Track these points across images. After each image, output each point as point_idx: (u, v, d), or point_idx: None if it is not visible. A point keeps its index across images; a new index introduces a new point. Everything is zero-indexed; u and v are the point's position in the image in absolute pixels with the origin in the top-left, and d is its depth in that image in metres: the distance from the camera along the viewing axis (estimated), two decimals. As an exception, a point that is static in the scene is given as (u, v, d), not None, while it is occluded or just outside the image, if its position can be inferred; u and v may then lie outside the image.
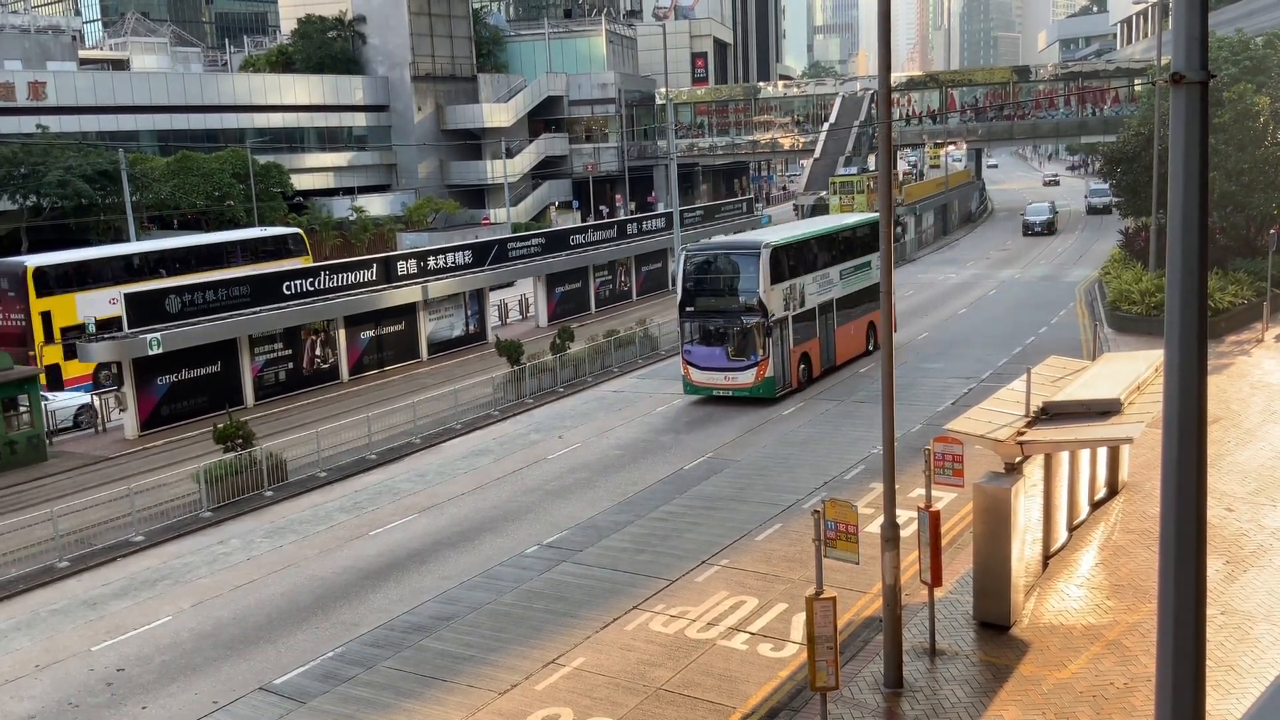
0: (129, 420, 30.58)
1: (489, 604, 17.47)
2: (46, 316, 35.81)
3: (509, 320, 47.57)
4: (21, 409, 28.34)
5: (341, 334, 36.72)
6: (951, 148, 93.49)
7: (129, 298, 31.55)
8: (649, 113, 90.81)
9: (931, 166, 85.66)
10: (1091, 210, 76.44)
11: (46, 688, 15.69)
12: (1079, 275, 50.14)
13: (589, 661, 15.13)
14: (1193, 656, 6.08)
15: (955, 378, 30.87)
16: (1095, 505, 19.03)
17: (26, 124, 57.12)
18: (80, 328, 34.95)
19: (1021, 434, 15.26)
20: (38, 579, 19.93)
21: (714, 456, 24.98)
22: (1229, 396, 25.85)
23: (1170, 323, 6.08)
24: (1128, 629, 14.54)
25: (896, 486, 13.84)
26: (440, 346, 40.73)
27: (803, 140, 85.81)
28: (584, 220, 77.77)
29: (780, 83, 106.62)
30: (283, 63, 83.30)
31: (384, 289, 38.20)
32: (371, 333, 38.04)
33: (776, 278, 29.07)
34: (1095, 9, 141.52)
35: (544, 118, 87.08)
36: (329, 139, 76.79)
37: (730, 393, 29.32)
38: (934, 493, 14.77)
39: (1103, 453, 19.27)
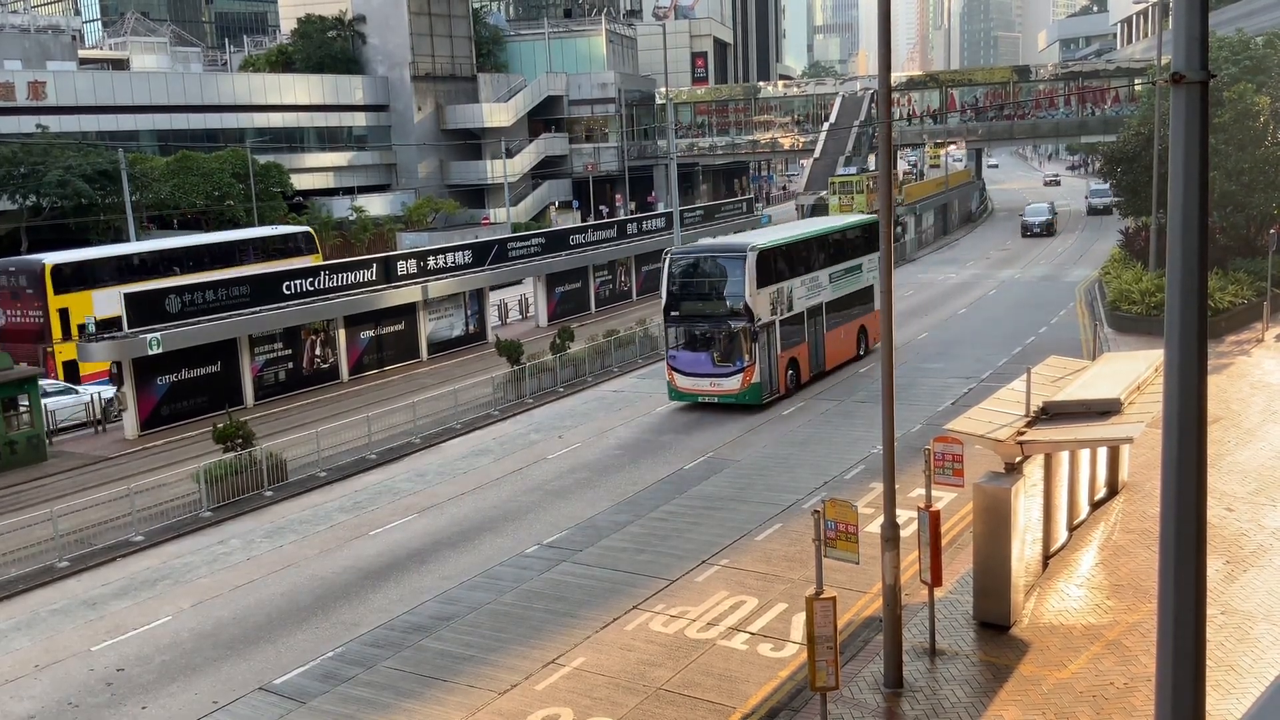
0: (129, 420, 30.58)
1: (489, 604, 17.47)
2: (64, 313, 36.26)
3: (509, 320, 47.57)
4: (21, 409, 28.33)
5: (341, 334, 36.73)
6: (952, 148, 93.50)
7: (129, 297, 31.57)
8: (649, 113, 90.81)
9: (931, 166, 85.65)
10: (1092, 211, 76.32)
11: (46, 688, 15.69)
12: (1079, 275, 50.14)
13: (589, 661, 15.14)
14: (1193, 656, 6.08)
15: (955, 378, 30.87)
16: (1095, 505, 19.03)
17: (26, 124, 57.13)
18: (99, 324, 35.13)
19: (1021, 434, 15.26)
20: (38, 579, 19.93)
21: (714, 456, 24.98)
22: (1229, 396, 25.85)
23: (1170, 323, 6.08)
24: (1128, 629, 14.54)
25: (896, 486, 13.84)
26: (440, 346, 40.73)
27: (803, 140, 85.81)
28: (584, 220, 77.76)
29: (780, 83, 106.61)
30: (283, 63, 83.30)
31: (384, 289, 38.21)
32: (371, 333, 38.05)
33: (763, 281, 28.47)
34: (1095, 9, 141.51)
35: (544, 118, 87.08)
36: (329, 139, 76.79)
37: (716, 399, 28.76)
38: (934, 493, 14.77)
39: (1103, 453, 19.27)
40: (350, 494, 24.26)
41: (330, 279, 36.76)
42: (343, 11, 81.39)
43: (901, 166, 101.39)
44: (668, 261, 29.53)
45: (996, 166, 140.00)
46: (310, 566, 19.85)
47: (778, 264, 29.61)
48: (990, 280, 50.59)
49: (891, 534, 13.34)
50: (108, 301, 36.43)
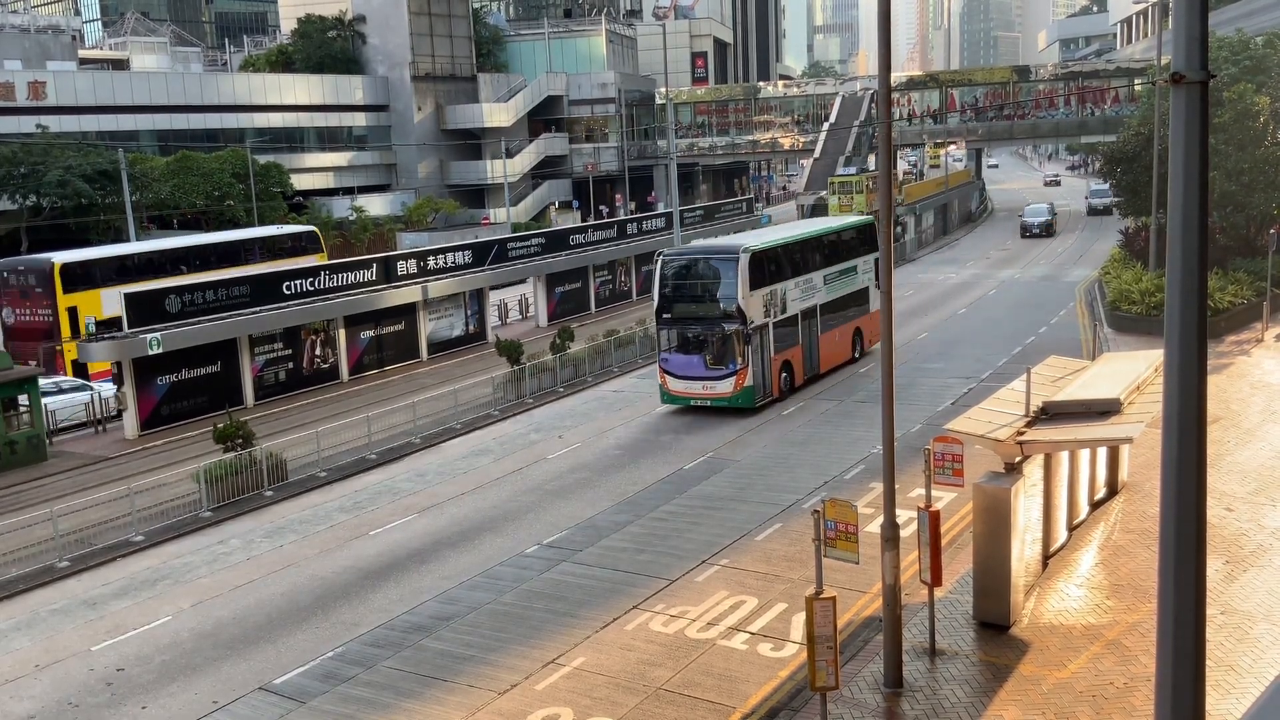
0: (129, 420, 30.58)
1: (489, 604, 17.47)
2: (73, 312, 36.44)
3: (509, 320, 47.57)
4: (21, 409, 28.33)
5: (341, 334, 36.73)
6: (952, 148, 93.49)
7: (128, 297, 31.58)
8: (649, 113, 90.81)
9: (931, 166, 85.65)
10: (1092, 211, 76.23)
11: (46, 688, 15.69)
12: (1079, 275, 50.14)
13: (589, 661, 15.14)
14: (1193, 656, 6.08)
15: (955, 377, 30.87)
16: (1095, 505, 19.03)
17: (26, 124, 57.13)
18: (105, 323, 35.27)
19: (1021, 434, 15.26)
20: (38, 579, 19.93)
21: (714, 456, 24.98)
22: (1229, 396, 25.86)
23: (1170, 323, 6.08)
24: (1128, 629, 14.54)
25: (896, 486, 13.85)
26: (440, 346, 40.73)
27: (803, 140, 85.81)
28: (584, 220, 77.76)
29: (780, 83, 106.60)
30: (283, 63, 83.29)
31: (384, 289, 38.21)
32: (371, 333, 38.05)
33: (756, 283, 28.17)
34: (1095, 9, 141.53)
35: (544, 118, 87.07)
36: (329, 139, 76.79)
37: (708, 403, 28.41)
38: (934, 492, 14.77)
39: (1103, 453, 19.27)
40: (350, 494, 24.27)
41: (330, 279, 36.77)
42: (343, 11, 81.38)
43: (901, 166, 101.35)
44: (660, 263, 29.27)
45: (996, 166, 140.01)
46: (310, 566, 19.85)
47: (771, 266, 29.31)
48: (990, 280, 50.59)
49: (891, 534, 13.34)
50: (116, 300, 36.60)
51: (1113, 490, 19.74)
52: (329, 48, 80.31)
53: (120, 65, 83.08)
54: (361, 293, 37.40)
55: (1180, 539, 6.09)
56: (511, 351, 32.72)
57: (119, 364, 30.44)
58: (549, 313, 46.53)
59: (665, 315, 28.78)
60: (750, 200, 72.55)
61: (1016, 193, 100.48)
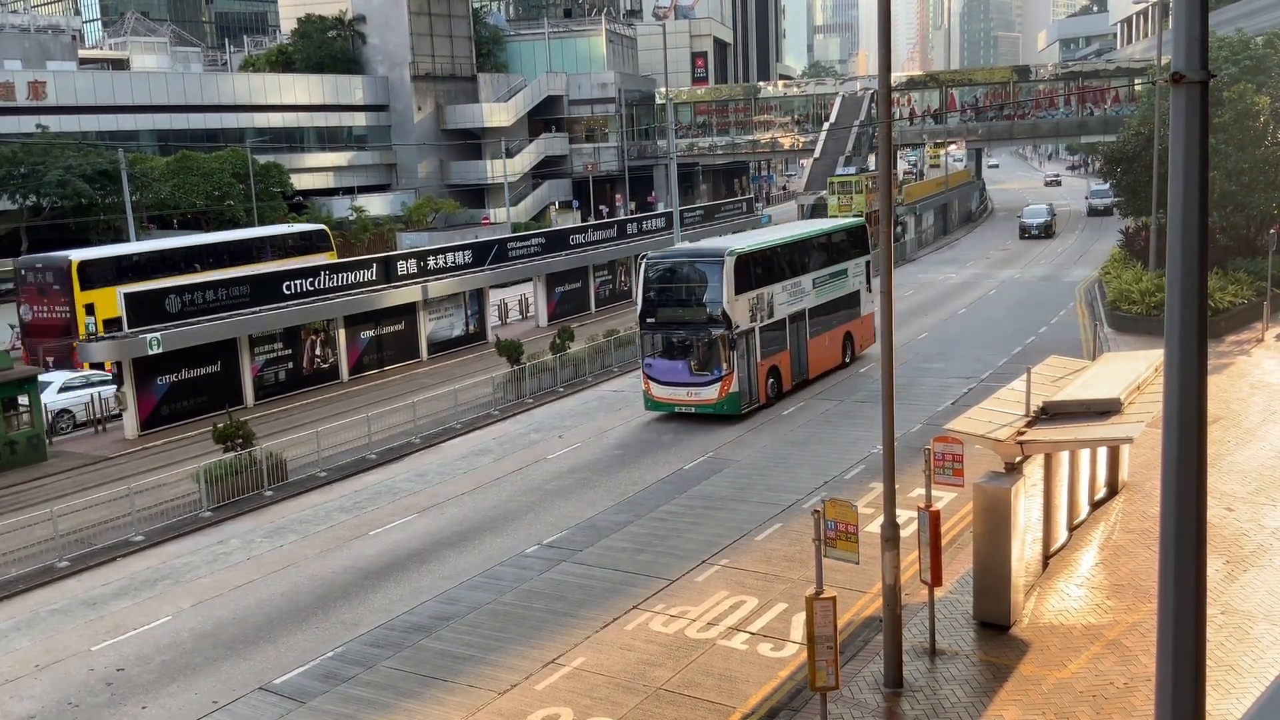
0: (129, 420, 30.58)
1: (489, 604, 17.47)
2: (90, 308, 36.64)
3: (509, 320, 47.57)
4: (21, 409, 28.33)
5: (341, 334, 36.73)
6: (952, 148, 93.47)
7: (128, 297, 31.59)
8: (649, 112, 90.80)
9: (931, 166, 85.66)
10: (1092, 211, 76.11)
11: (46, 688, 15.69)
12: (1079, 275, 50.14)
13: (589, 661, 15.14)
14: (1193, 656, 6.08)
15: (955, 377, 30.87)
16: (1095, 505, 19.03)
17: (26, 124, 57.12)
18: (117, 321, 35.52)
19: (1021, 434, 15.26)
20: (38, 579, 19.93)
21: (714, 456, 24.98)
22: (1229, 396, 25.86)
23: (1170, 323, 6.08)
24: (1128, 629, 14.54)
25: (896, 486, 13.85)
26: (440, 346, 40.73)
27: (803, 140, 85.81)
28: (584, 220, 77.76)
29: (780, 82, 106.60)
30: (283, 63, 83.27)
31: (384, 289, 38.21)
32: (371, 332, 38.05)
33: (741, 287, 27.52)
34: (1095, 9, 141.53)
35: (544, 117, 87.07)
36: (329, 139, 76.78)
37: (693, 409, 27.84)
38: (934, 492, 14.77)
39: (1103, 453, 19.27)
40: (350, 494, 24.27)
41: (330, 279, 36.77)
42: (343, 11, 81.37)
43: (901, 166, 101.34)
44: (643, 267, 28.69)
45: (997, 167, 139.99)
46: (310, 566, 19.85)
47: (758, 269, 28.72)
48: (990, 280, 50.60)
49: (891, 534, 13.34)
50: None
51: (1113, 490, 19.74)
52: (329, 48, 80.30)
53: (120, 65, 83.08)
54: (361, 293, 37.40)
55: (1180, 539, 6.09)
56: (511, 351, 32.72)
57: (119, 364, 30.43)
58: (549, 313, 46.53)
59: (649, 320, 28.25)
60: (750, 200, 72.54)
61: (1016, 193, 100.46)
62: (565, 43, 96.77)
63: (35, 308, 37.39)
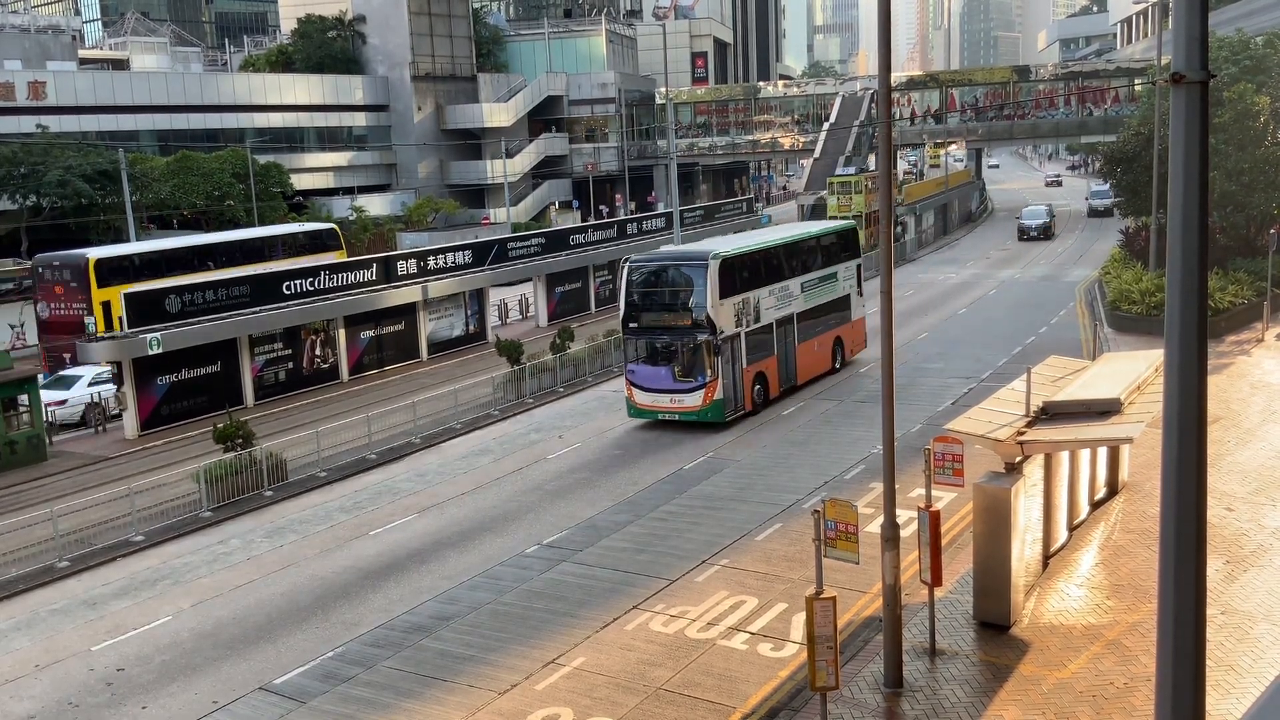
0: (129, 420, 30.58)
1: (489, 604, 17.47)
2: (106, 306, 37.00)
3: (509, 320, 47.57)
4: (21, 409, 28.33)
5: (341, 334, 36.74)
6: (952, 148, 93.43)
7: (128, 297, 31.61)
8: (649, 112, 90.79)
9: (931, 166, 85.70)
10: (1093, 212, 75.99)
11: (46, 688, 15.69)
12: (1079, 275, 50.14)
13: (589, 661, 15.14)
14: (1193, 656, 6.08)
15: (955, 377, 30.87)
16: (1095, 505, 19.03)
17: (26, 124, 57.10)
18: None
19: (1021, 434, 15.26)
20: (38, 579, 19.93)
21: (714, 456, 24.99)
22: (1229, 396, 25.86)
23: (1170, 323, 6.08)
24: (1128, 629, 14.54)
25: (896, 486, 13.85)
26: (440, 346, 40.73)
27: (803, 140, 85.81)
28: (584, 220, 77.76)
29: (780, 83, 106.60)
30: (283, 63, 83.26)
31: (384, 289, 38.22)
32: (371, 333, 38.05)
33: (727, 291, 26.92)
34: (1095, 9, 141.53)
35: (544, 118, 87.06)
36: (329, 139, 76.77)
37: (676, 417, 27.21)
38: (934, 492, 14.77)
39: (1103, 453, 19.27)
40: (350, 494, 24.27)
41: (330, 279, 36.78)
42: (343, 11, 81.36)
43: (901, 166, 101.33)
44: (626, 270, 28.10)
45: (997, 167, 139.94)
46: (310, 566, 19.85)
47: (743, 273, 28.10)
48: (990, 280, 50.60)
49: (891, 534, 13.34)
50: None
51: (1113, 490, 19.74)
52: (329, 48, 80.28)
53: (120, 65, 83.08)
54: (361, 293, 37.41)
55: (1180, 539, 6.09)
56: (511, 351, 32.72)
57: (119, 364, 30.43)
58: (549, 313, 46.53)
59: (632, 324, 27.58)
60: (750, 200, 72.55)
61: (1017, 193, 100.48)
62: (565, 43, 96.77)
63: (52, 305, 37.89)
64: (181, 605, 18.41)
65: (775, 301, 29.29)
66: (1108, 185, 55.51)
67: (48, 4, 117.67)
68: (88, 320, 36.03)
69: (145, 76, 70.03)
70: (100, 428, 31.50)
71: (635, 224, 55.29)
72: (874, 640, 14.67)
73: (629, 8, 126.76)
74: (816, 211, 60.49)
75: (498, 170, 75.71)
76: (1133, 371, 17.95)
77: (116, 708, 14.97)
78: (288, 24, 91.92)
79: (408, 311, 39.25)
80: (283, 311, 34.73)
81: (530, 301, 48.83)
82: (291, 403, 33.91)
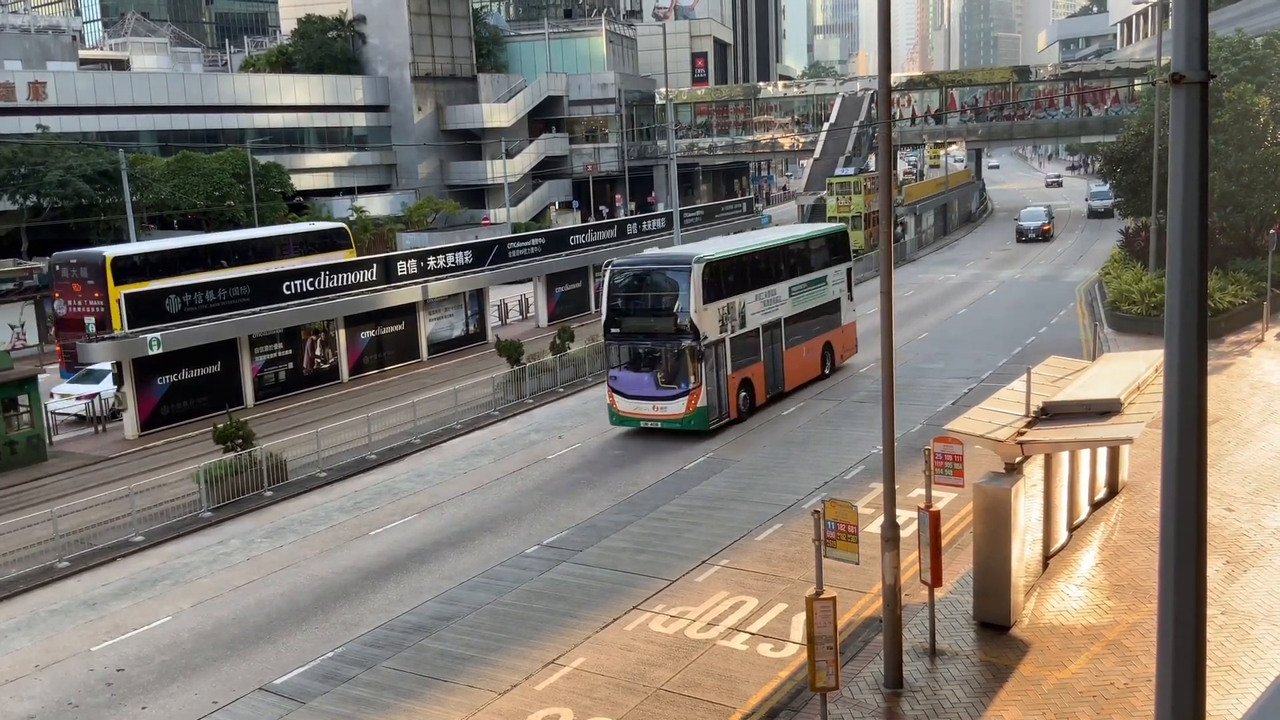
0: (129, 420, 30.58)
1: (489, 604, 17.47)
2: (122, 303, 37.06)
3: (509, 320, 47.57)
4: (21, 409, 28.32)
5: (341, 334, 36.73)
6: (952, 148, 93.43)
7: (128, 298, 31.61)
8: (649, 113, 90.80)
9: (931, 166, 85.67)
10: (1093, 214, 75.90)
11: (46, 688, 15.69)
12: (1079, 275, 50.15)
13: (589, 661, 15.14)
14: (1193, 656, 6.08)
15: (955, 378, 30.87)
16: (1095, 505, 19.03)
17: (26, 124, 57.11)
18: None
19: (1021, 434, 15.26)
20: (38, 579, 19.93)
21: (714, 456, 24.98)
22: (1229, 396, 25.85)
23: (1170, 323, 6.08)
24: (1128, 629, 14.54)
25: (896, 486, 13.84)
26: (440, 346, 40.73)
27: (803, 140, 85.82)
28: (584, 220, 77.76)
29: (780, 83, 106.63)
30: (283, 63, 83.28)
31: (384, 289, 38.22)
32: (371, 333, 38.05)
33: (711, 296, 26.26)
34: (1095, 9, 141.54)
35: (544, 118, 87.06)
36: (329, 139, 76.77)
37: (659, 424, 26.57)
38: (934, 493, 14.77)
39: (1103, 453, 19.27)
40: (350, 494, 24.27)
41: (330, 279, 36.78)
42: (343, 12, 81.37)
43: (901, 167, 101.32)
44: (608, 274, 27.39)
45: (998, 167, 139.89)
46: (310, 566, 19.85)
47: (728, 277, 27.46)
48: (990, 280, 50.60)
49: (891, 534, 13.34)
50: None
51: (1113, 490, 19.74)
52: (329, 48, 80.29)
53: (120, 65, 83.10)
54: (361, 293, 37.41)
55: (1180, 539, 6.09)
56: (511, 351, 32.72)
57: (119, 364, 30.43)
58: (549, 313, 46.52)
59: (613, 330, 26.95)
60: (750, 200, 72.55)
61: (1017, 193, 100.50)
62: (565, 43, 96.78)
63: (69, 302, 38.24)
64: (181, 605, 18.41)
65: (762, 306, 28.63)
66: (1108, 186, 55.47)
67: (48, 4, 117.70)
68: (87, 320, 36.12)
69: (145, 77, 70.06)
70: (100, 427, 31.50)
71: (635, 224, 55.30)
72: (874, 640, 14.67)
73: (629, 8, 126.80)
74: (816, 212, 60.50)
75: (498, 170, 75.71)
76: (1133, 372, 17.95)
77: (116, 708, 14.97)
78: (288, 24, 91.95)
79: (408, 312, 39.24)
80: (283, 312, 34.73)
81: (530, 302, 48.84)
82: (291, 403, 33.91)
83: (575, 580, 18.22)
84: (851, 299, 33.62)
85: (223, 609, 18.13)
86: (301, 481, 25.07)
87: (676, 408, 26.30)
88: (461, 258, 42.21)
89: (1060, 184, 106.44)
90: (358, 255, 47.64)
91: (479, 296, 42.83)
